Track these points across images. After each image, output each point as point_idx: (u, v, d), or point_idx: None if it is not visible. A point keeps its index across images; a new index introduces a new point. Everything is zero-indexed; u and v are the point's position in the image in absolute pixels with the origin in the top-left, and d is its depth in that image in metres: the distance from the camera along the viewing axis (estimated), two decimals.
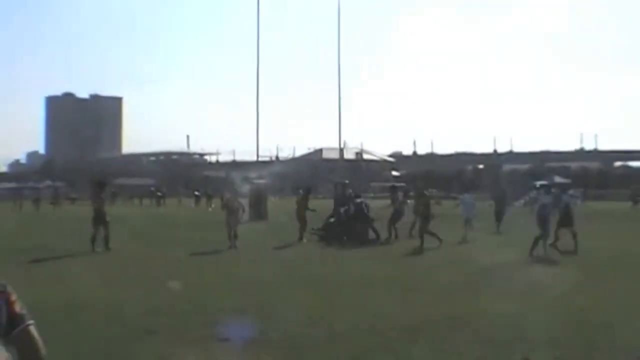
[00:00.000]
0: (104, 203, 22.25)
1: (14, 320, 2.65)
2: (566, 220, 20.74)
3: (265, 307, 10.78)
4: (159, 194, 71.35)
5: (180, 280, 13.76)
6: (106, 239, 20.87)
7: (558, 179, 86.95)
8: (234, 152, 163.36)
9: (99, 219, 21.11)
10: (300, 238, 24.51)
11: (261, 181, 43.33)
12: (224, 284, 13.95)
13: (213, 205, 55.87)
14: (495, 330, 9.14)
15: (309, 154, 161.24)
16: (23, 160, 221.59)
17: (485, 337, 8.78)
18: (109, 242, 20.86)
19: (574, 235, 20.26)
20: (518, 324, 9.45)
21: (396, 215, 26.09)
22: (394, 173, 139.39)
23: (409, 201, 27.56)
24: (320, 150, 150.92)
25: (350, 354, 8.12)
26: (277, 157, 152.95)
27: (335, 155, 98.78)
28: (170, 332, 9.16)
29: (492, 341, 8.59)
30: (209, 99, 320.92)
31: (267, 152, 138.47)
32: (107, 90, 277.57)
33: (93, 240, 20.64)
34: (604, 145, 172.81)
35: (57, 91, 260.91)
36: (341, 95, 66.46)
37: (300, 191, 27.81)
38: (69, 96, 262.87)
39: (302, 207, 25.89)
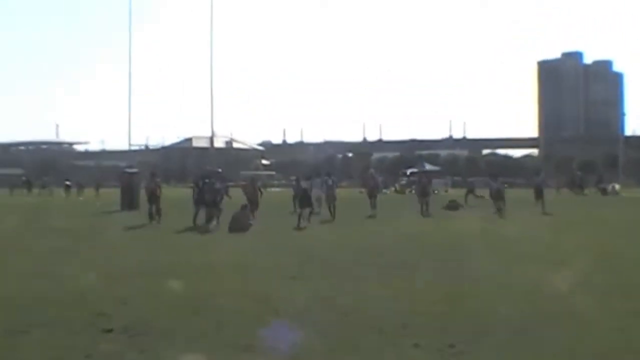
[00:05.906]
0: (158, 187, 27.32)
1: None
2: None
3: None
4: (67, 183, 65.15)
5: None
6: (159, 212, 26.02)
7: (428, 167, 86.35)
8: (103, 142, 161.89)
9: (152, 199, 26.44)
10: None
11: (133, 170, 43.95)
12: None
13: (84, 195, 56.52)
14: None
15: (179, 143, 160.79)
16: None
17: None
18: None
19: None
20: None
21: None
22: (264, 162, 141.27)
23: None
24: (190, 139, 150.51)
25: None
26: (146, 146, 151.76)
27: (205, 144, 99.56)
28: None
29: None
30: (79, 88, 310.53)
31: (136, 142, 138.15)
32: None
33: (150, 214, 25.81)
34: (472, 134, 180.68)
35: None
36: (213, 85, 67.73)
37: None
38: None
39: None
